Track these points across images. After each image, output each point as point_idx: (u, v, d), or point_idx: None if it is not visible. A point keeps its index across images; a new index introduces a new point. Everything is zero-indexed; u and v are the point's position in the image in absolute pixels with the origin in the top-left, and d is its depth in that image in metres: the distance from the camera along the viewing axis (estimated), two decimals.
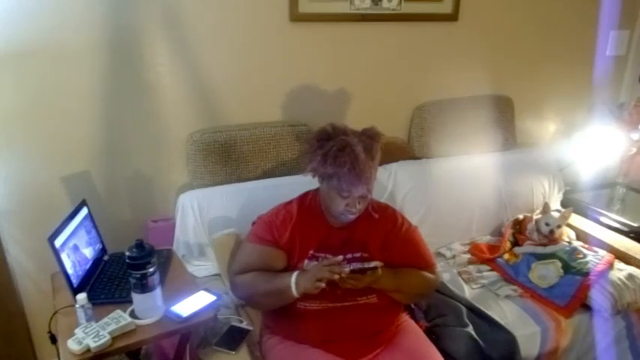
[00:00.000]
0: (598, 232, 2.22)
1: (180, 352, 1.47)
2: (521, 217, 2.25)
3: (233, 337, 1.53)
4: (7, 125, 1.73)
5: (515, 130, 2.46)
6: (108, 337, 1.24)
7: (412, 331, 1.59)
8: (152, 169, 1.98)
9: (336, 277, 1.33)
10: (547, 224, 2.08)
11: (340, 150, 1.37)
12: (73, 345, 1.23)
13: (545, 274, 1.94)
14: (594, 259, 1.98)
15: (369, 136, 1.44)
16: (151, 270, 1.30)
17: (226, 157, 1.93)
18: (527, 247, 2.09)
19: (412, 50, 2.22)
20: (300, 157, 2.02)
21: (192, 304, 1.39)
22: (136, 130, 1.90)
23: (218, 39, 1.90)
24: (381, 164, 1.50)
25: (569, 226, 2.24)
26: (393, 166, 2.17)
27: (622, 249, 2.09)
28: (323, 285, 1.34)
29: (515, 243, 2.16)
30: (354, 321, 1.48)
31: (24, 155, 1.78)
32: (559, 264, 1.95)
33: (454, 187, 2.20)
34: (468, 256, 2.14)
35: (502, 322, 1.74)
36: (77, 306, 1.29)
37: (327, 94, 2.14)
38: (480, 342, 1.63)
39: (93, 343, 1.22)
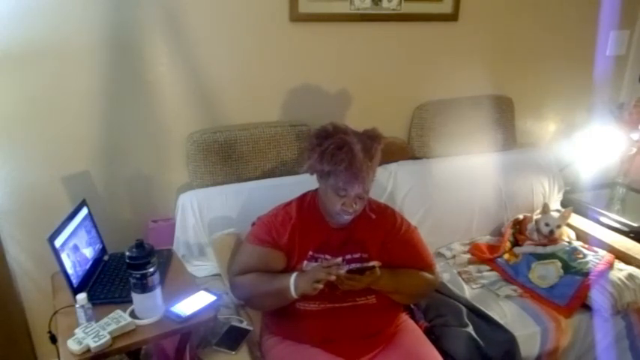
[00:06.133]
0: (598, 232, 2.22)
1: (181, 352, 1.47)
2: (521, 217, 2.25)
3: (233, 337, 1.54)
4: (8, 125, 1.73)
5: (515, 130, 2.46)
6: (108, 337, 1.24)
7: (411, 331, 1.59)
8: (152, 169, 1.98)
9: (333, 277, 1.33)
10: (547, 224, 2.08)
11: (338, 148, 1.37)
12: (73, 345, 1.23)
13: (545, 274, 1.94)
14: (594, 259, 1.98)
15: (370, 137, 1.44)
16: (151, 270, 1.30)
17: (226, 157, 1.93)
18: (527, 247, 2.09)
19: (412, 50, 2.22)
20: (301, 156, 2.02)
21: (192, 304, 1.39)
22: (136, 130, 1.90)
23: (218, 39, 1.90)
24: (380, 164, 1.50)
25: (569, 226, 2.24)
26: (393, 166, 2.17)
27: (622, 249, 2.09)
28: (321, 286, 1.35)
29: (515, 243, 2.16)
30: (354, 321, 1.48)
31: (24, 155, 1.78)
32: (559, 264, 1.95)
33: (454, 187, 2.20)
34: (468, 256, 2.14)
35: (502, 322, 1.74)
36: (77, 306, 1.29)
37: (327, 94, 2.14)
38: (480, 342, 1.63)
39: (93, 343, 1.22)
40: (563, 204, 2.45)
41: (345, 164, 1.35)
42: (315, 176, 1.48)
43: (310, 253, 1.50)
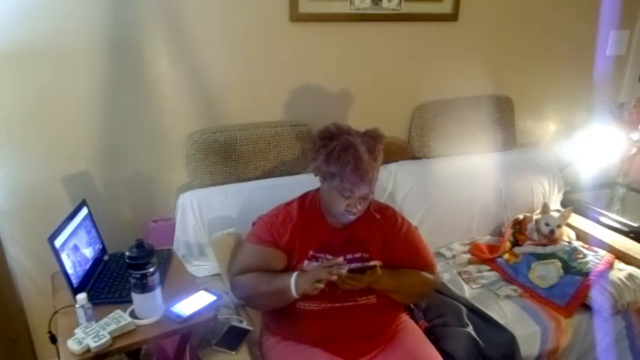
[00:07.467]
0: (598, 232, 2.22)
1: (181, 352, 1.47)
2: (521, 217, 2.25)
3: (233, 337, 1.54)
4: (8, 125, 1.72)
5: (515, 130, 2.46)
6: (108, 337, 1.24)
7: (412, 331, 1.59)
8: (152, 169, 1.98)
9: (334, 277, 1.33)
10: (547, 224, 2.08)
11: (344, 150, 1.37)
12: (73, 345, 1.23)
13: (545, 274, 1.94)
14: (594, 259, 1.98)
15: (372, 137, 1.44)
16: (151, 270, 1.30)
17: (226, 157, 1.93)
18: (527, 247, 2.09)
19: (412, 50, 2.22)
20: (302, 156, 2.02)
21: (192, 304, 1.39)
22: (136, 130, 1.90)
23: (218, 39, 1.90)
24: (381, 164, 1.50)
25: (569, 226, 2.24)
26: (393, 166, 2.17)
27: (622, 249, 2.09)
28: (322, 286, 1.35)
29: (515, 243, 2.16)
30: (354, 321, 1.48)
31: (24, 155, 1.78)
32: (559, 264, 1.95)
33: (454, 187, 2.20)
34: (468, 256, 2.14)
35: (502, 322, 1.74)
36: (77, 306, 1.29)
37: (327, 94, 2.14)
38: (480, 342, 1.63)
39: (93, 343, 1.22)
40: (563, 204, 2.45)
41: (352, 166, 1.35)
42: (316, 176, 1.48)
43: (311, 252, 1.50)
